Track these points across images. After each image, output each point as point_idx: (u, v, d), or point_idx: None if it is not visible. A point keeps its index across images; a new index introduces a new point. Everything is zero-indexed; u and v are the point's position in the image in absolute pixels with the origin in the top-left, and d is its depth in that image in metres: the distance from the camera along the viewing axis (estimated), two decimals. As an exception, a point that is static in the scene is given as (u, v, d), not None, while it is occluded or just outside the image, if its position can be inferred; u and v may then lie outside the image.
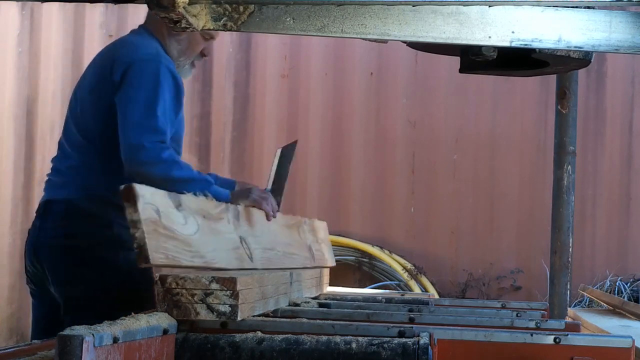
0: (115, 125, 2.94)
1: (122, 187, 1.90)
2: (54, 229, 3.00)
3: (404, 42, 2.37)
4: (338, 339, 1.84)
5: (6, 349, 1.86)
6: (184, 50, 3.13)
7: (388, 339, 1.84)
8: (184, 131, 3.18)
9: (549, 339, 1.88)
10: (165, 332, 1.77)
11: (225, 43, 6.17)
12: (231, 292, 1.86)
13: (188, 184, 2.80)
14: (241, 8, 1.86)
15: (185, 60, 3.16)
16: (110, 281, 2.94)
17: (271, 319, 2.17)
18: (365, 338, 1.84)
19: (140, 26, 3.28)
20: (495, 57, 2.63)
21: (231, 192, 2.97)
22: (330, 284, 3.80)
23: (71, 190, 3.01)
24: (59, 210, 3.01)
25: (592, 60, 2.75)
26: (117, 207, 2.80)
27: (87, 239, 2.96)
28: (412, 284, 5.86)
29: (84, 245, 2.95)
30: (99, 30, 6.32)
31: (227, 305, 1.86)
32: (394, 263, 5.90)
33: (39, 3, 6.26)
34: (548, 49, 2.40)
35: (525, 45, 1.99)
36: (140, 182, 2.70)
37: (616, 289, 5.71)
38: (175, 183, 2.82)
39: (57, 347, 1.38)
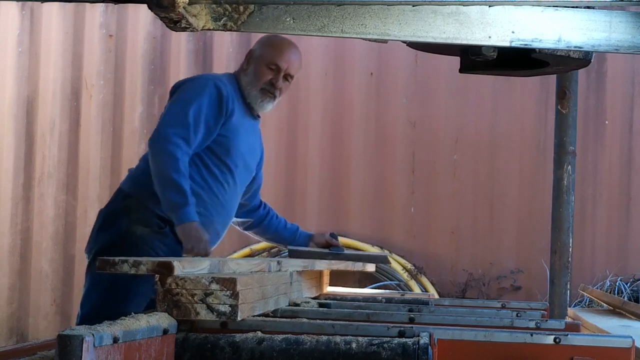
0: None
1: None
2: None
3: (404, 42, 2.37)
4: (338, 339, 1.84)
5: (6, 349, 1.86)
6: (249, 80, 3.46)
7: (388, 339, 1.84)
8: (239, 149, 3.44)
9: (549, 339, 1.89)
10: (165, 332, 1.77)
11: (225, 43, 6.17)
12: (231, 292, 1.86)
13: (169, 189, 3.20)
14: (241, 8, 1.86)
15: (252, 89, 3.45)
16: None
17: (271, 319, 2.17)
18: (365, 338, 1.85)
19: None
20: (495, 57, 2.63)
21: (183, 224, 3.19)
22: (330, 284, 3.80)
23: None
24: None
25: (592, 60, 2.75)
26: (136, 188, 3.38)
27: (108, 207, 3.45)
28: (412, 284, 5.86)
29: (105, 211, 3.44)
30: (99, 30, 6.32)
31: (227, 305, 1.86)
32: (394, 263, 5.90)
33: (39, 3, 6.26)
34: (548, 49, 2.40)
35: (525, 45, 1.99)
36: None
37: (616, 289, 5.71)
38: (162, 179, 3.22)
39: (57, 347, 1.38)
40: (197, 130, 3.29)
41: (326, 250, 3.62)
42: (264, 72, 3.43)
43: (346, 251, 3.76)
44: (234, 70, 3.59)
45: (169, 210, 3.22)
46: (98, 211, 3.46)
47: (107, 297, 3.21)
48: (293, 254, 3.48)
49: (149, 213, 3.30)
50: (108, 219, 3.35)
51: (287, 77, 3.47)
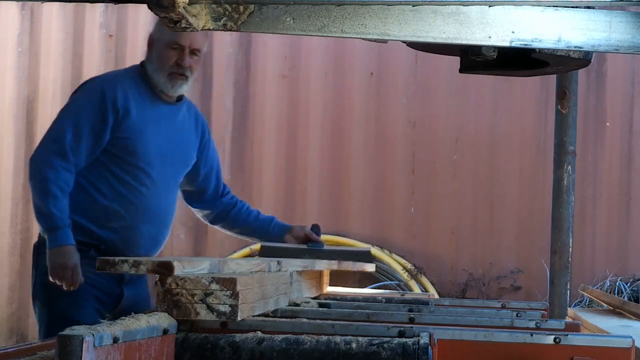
0: None
1: None
2: None
3: (404, 42, 2.36)
4: (338, 339, 1.84)
5: (6, 349, 1.86)
6: (155, 68, 3.26)
7: (388, 339, 1.84)
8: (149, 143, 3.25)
9: (549, 339, 1.88)
10: (165, 332, 1.77)
11: (225, 43, 6.17)
12: (231, 292, 1.86)
13: (37, 214, 3.13)
14: (241, 8, 1.85)
15: (159, 76, 3.25)
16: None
17: (271, 319, 2.17)
18: (365, 338, 1.84)
19: None
20: (495, 57, 2.63)
21: (50, 249, 3.06)
22: (330, 284, 3.80)
23: None
24: None
25: (592, 60, 2.75)
26: None
27: (37, 241, 3.33)
28: (412, 284, 5.86)
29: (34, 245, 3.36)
30: (99, 30, 6.32)
31: (227, 305, 1.86)
32: (394, 263, 5.90)
33: (39, 3, 6.26)
34: (548, 49, 2.39)
35: (525, 45, 1.99)
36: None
37: (616, 289, 5.71)
38: (33, 202, 3.16)
39: (57, 347, 1.38)
40: (79, 141, 3.13)
41: (303, 247, 3.37)
42: (167, 54, 3.23)
43: (326, 247, 3.52)
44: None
45: (42, 234, 3.12)
46: None
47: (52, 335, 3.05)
48: (265, 252, 3.24)
49: None
50: (35, 254, 3.25)
51: (194, 52, 3.26)
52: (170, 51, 3.23)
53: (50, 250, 3.05)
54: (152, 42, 3.30)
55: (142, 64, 3.33)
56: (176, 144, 3.34)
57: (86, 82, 3.37)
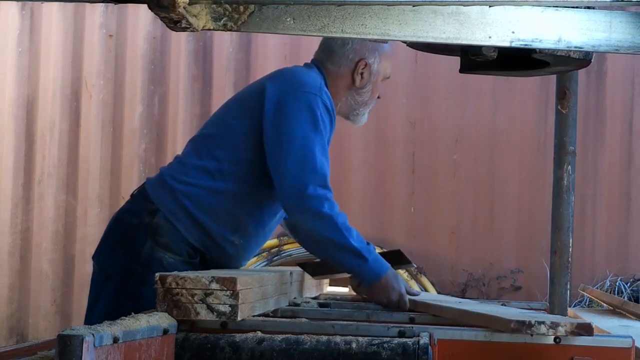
0: (248, 153, 2.81)
1: None
2: None
3: (404, 42, 2.36)
4: (338, 339, 1.84)
5: (6, 349, 1.86)
6: (366, 100, 2.99)
7: (388, 339, 1.84)
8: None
9: (549, 339, 1.88)
10: (165, 332, 1.77)
11: (225, 43, 6.16)
12: (231, 292, 1.86)
13: (342, 253, 2.72)
14: (241, 8, 1.86)
15: (365, 109, 3.02)
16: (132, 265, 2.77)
17: (271, 319, 2.17)
18: (365, 338, 1.85)
19: (312, 61, 3.01)
20: (495, 57, 2.63)
21: (377, 282, 2.72)
22: (330, 284, 3.80)
23: None
24: None
25: (592, 61, 2.75)
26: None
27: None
28: (412, 283, 5.86)
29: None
30: (99, 30, 6.32)
31: (227, 305, 1.86)
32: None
33: (39, 3, 6.26)
34: (548, 49, 2.40)
35: (525, 45, 1.99)
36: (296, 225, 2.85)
37: (616, 289, 5.71)
38: (330, 245, 2.74)
39: (57, 347, 1.38)
40: (327, 169, 2.81)
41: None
42: (379, 86, 2.98)
43: None
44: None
45: (348, 269, 2.76)
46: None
47: None
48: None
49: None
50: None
51: None
52: (381, 84, 2.99)
53: (377, 283, 2.71)
54: (369, 70, 2.93)
55: (325, 79, 2.90)
56: None
57: (300, 94, 2.80)
